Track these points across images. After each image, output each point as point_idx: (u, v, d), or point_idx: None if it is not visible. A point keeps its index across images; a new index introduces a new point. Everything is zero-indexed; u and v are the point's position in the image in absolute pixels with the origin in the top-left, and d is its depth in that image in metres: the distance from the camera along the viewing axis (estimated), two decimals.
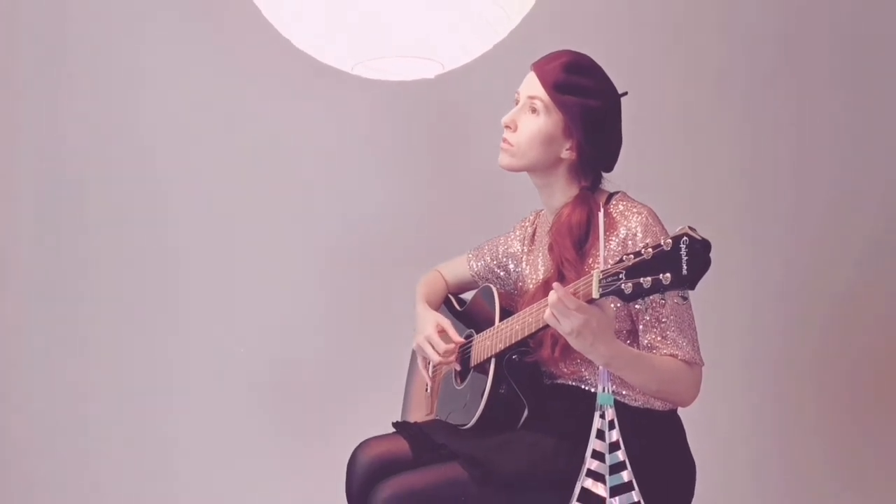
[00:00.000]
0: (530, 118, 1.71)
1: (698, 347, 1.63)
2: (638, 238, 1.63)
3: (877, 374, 2.58)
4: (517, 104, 1.74)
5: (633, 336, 1.66)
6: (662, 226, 1.66)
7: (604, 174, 1.76)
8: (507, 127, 1.74)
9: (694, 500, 1.72)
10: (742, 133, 2.62)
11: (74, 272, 2.63)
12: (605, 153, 1.73)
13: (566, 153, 1.71)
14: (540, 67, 1.71)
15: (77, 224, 2.64)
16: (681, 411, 1.71)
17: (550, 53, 1.73)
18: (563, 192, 1.75)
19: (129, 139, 2.62)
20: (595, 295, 1.43)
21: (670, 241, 1.33)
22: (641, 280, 1.35)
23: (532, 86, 1.71)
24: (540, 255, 1.81)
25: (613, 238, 1.65)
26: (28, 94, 2.62)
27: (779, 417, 2.60)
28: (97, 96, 2.63)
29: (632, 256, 1.38)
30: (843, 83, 2.60)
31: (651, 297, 1.37)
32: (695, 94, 2.61)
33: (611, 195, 1.73)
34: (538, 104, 1.70)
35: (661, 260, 1.33)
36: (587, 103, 1.67)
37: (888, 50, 2.60)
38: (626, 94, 1.72)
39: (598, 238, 1.55)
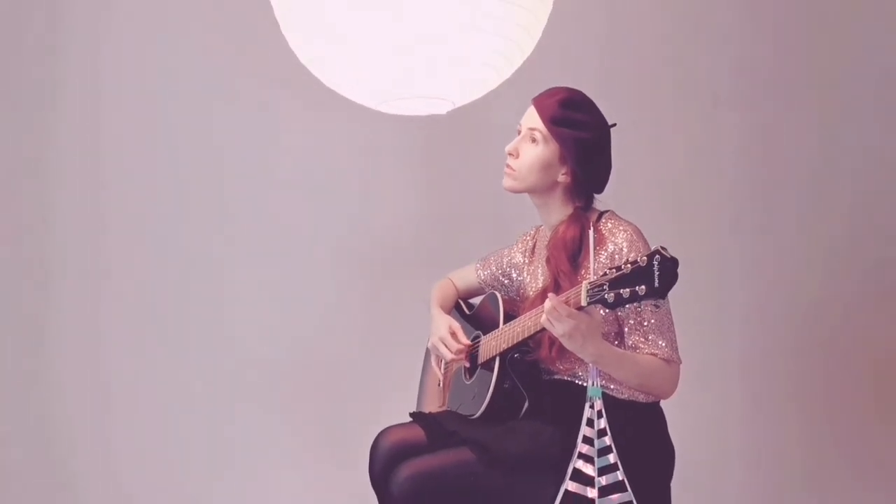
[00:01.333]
0: (530, 147, 1.86)
1: (676, 347, 1.78)
2: (624, 252, 1.77)
3: (845, 368, 2.68)
4: (519, 134, 1.89)
5: (620, 338, 1.79)
6: (645, 241, 1.81)
7: (595, 195, 1.91)
8: (510, 154, 1.88)
9: (672, 480, 1.84)
10: (723, 150, 2.73)
11: (100, 272, 2.74)
12: (596, 178, 1.88)
13: (561, 177, 1.87)
14: (539, 102, 1.87)
15: (108, 229, 2.76)
16: (662, 403, 1.84)
17: (549, 89, 1.88)
18: (559, 210, 1.90)
19: (164, 153, 2.75)
20: (584, 303, 1.60)
21: (645, 258, 1.52)
22: (621, 291, 1.53)
23: (532, 118, 1.86)
24: (539, 266, 1.95)
25: (603, 252, 1.80)
26: (70, 112, 2.76)
27: (752, 409, 2.69)
28: (138, 114, 2.75)
29: (614, 271, 1.55)
30: (821, 97, 2.70)
31: (631, 305, 1.57)
32: (683, 118, 2.72)
33: (601, 214, 1.87)
34: (537, 135, 1.85)
35: (638, 274, 1.51)
36: (580, 135, 1.83)
37: (867, 63, 2.69)
38: (614, 125, 1.88)
39: (588, 252, 1.70)
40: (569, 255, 1.82)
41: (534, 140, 1.86)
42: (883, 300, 2.69)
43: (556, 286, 1.80)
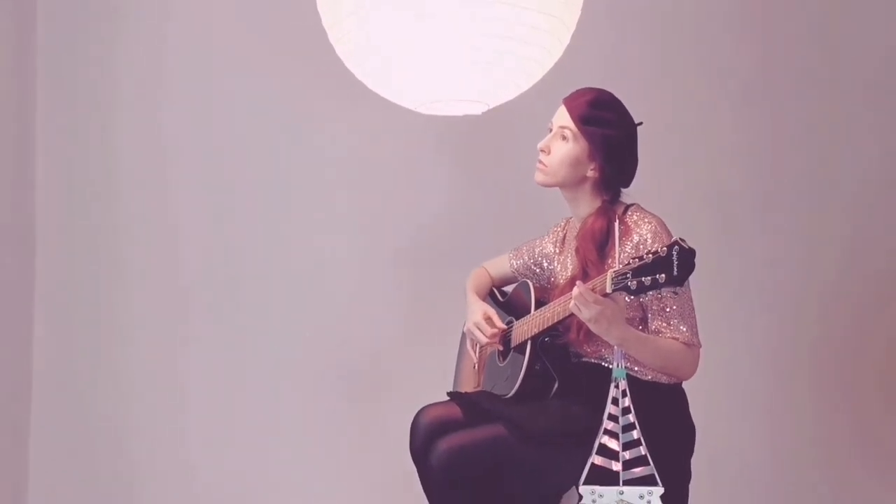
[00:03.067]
0: (561, 144, 1.97)
1: (697, 332, 1.88)
2: (648, 243, 1.87)
3: (861, 359, 2.77)
4: (550, 132, 2.00)
5: (644, 323, 1.90)
6: (668, 232, 1.91)
7: (623, 189, 2.01)
8: (542, 150, 1.99)
9: (693, 456, 1.94)
10: (746, 146, 2.81)
11: (174, 271, 2.87)
12: (623, 173, 1.98)
13: (590, 173, 1.97)
14: (569, 102, 1.98)
15: (180, 229, 2.88)
16: (685, 384, 1.93)
17: (578, 90, 1.99)
18: (588, 204, 2.00)
19: (224, 159, 2.88)
20: (608, 290, 1.71)
21: (665, 248, 1.62)
22: (643, 279, 1.64)
23: (563, 117, 1.97)
24: (569, 255, 2.04)
25: (628, 243, 1.90)
26: (126, 116, 2.88)
27: (768, 391, 2.76)
28: (190, 119, 2.87)
29: (637, 260, 1.66)
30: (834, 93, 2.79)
31: (653, 292, 1.67)
32: (708, 114, 2.80)
33: (627, 207, 1.98)
34: (567, 133, 1.96)
35: (659, 264, 1.62)
36: (607, 133, 1.94)
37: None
38: (640, 123, 1.99)
39: (615, 243, 1.82)
40: (597, 245, 1.92)
41: (564, 138, 1.96)
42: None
43: (584, 274, 1.90)
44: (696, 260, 1.63)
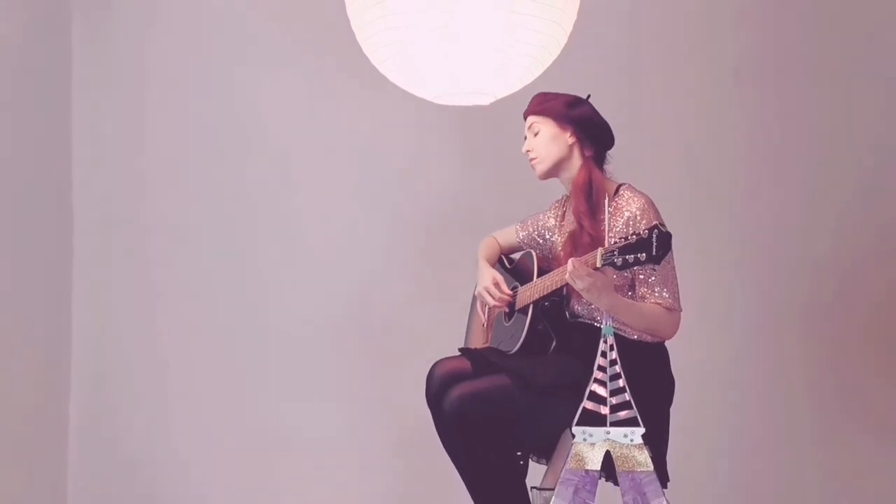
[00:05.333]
0: (535, 138, 2.24)
1: (678, 298, 2.11)
2: (637, 219, 2.09)
3: (851, 323, 2.95)
4: (525, 139, 2.26)
5: (631, 290, 2.13)
6: (656, 210, 2.14)
7: (608, 152, 2.24)
8: (527, 152, 2.26)
9: (672, 407, 2.16)
10: (742, 122, 2.99)
11: (206, 252, 3.11)
12: (597, 130, 2.20)
13: (570, 139, 2.21)
14: (527, 110, 2.26)
15: (210, 211, 3.12)
16: (668, 343, 2.15)
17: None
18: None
19: (261, 148, 3.14)
20: (598, 265, 1.96)
21: (647, 231, 1.87)
22: (627, 257, 1.88)
23: (528, 120, 2.25)
24: (568, 229, 2.24)
25: (619, 219, 2.13)
26: (158, 102, 3.13)
27: (760, 352, 2.95)
28: (217, 108, 3.11)
29: (622, 240, 1.91)
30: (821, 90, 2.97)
31: (636, 268, 1.92)
32: (707, 94, 2.98)
33: (619, 185, 2.20)
34: (536, 126, 2.24)
35: (640, 244, 1.87)
36: (563, 100, 2.21)
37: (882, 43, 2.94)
38: (589, 96, 2.24)
39: (602, 200, 2.05)
40: (585, 196, 2.15)
41: (536, 132, 2.24)
42: (886, 263, 2.94)
43: (579, 227, 2.14)
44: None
